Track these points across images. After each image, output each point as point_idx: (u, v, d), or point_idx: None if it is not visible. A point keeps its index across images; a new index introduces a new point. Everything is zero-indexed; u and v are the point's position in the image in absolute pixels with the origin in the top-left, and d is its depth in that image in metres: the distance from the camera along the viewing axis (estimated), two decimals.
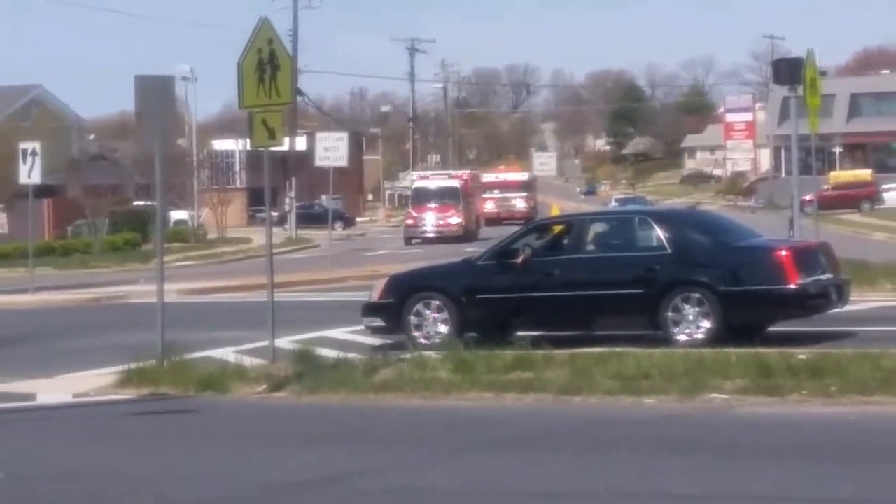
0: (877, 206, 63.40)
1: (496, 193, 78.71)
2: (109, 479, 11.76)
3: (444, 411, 15.48)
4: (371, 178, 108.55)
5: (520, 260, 21.02)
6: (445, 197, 65.69)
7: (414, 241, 63.11)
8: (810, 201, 47.98)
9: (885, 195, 69.54)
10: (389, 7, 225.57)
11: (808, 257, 20.22)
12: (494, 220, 71.03)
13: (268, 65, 17.72)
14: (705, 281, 19.59)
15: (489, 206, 74.58)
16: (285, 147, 33.53)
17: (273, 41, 18.04)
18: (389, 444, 13.19)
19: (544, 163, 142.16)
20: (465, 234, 61.36)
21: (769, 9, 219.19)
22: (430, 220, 64.22)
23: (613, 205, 72.00)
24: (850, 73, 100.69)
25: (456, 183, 70.30)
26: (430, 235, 62.85)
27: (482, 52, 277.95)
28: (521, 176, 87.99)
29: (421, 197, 67.12)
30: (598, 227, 22.31)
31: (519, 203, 78.34)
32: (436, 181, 71.24)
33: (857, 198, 68.61)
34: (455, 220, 63.95)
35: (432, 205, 65.11)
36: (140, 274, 40.88)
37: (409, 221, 65.58)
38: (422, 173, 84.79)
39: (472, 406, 15.58)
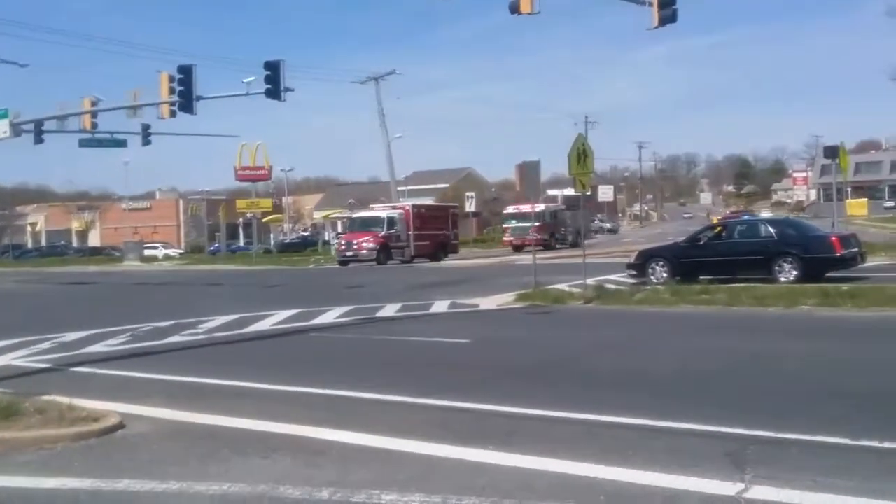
0: None
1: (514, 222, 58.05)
2: (520, 343, 13.24)
3: (668, 313, 16.33)
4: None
5: (702, 242, 22.26)
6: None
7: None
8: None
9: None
10: None
11: (846, 240, 21.04)
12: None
13: (582, 154, 19.82)
14: (795, 252, 20.32)
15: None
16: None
17: (584, 143, 20.06)
18: (648, 325, 14.59)
19: (705, 198, 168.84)
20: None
21: (815, 118, 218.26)
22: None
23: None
24: (855, 151, 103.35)
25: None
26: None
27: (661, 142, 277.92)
28: (538, 208, 66.29)
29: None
30: (740, 226, 23.04)
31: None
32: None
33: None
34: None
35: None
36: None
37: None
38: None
39: (680, 311, 16.49)
